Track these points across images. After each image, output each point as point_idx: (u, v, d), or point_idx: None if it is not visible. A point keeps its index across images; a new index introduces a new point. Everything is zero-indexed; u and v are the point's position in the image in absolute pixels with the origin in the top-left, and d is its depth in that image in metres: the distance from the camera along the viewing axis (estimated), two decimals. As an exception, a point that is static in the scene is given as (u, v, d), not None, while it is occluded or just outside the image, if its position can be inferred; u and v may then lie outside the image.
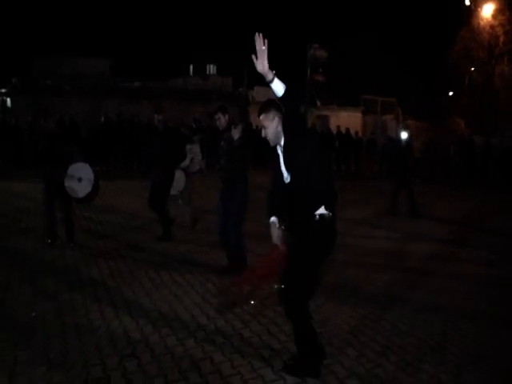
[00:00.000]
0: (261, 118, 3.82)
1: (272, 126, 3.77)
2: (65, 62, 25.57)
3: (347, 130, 22.44)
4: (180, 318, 4.85)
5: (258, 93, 27.18)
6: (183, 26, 38.99)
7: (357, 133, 22.75)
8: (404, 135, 11.14)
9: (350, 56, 34.45)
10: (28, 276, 6.06)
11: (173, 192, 8.21)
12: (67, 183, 7.22)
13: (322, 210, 3.68)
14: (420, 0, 35.91)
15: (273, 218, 3.88)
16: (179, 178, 8.29)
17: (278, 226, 3.86)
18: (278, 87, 3.43)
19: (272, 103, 3.79)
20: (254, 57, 3.42)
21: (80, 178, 7.26)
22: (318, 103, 29.21)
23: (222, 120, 6.32)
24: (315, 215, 3.68)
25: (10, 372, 3.79)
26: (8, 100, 26.50)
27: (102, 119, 19.54)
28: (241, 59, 34.64)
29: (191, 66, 38.66)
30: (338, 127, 23.05)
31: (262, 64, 3.42)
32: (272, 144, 3.83)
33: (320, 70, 30.25)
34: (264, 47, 3.40)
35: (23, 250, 7.20)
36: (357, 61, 34.93)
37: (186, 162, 8.38)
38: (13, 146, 17.84)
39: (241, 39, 36.13)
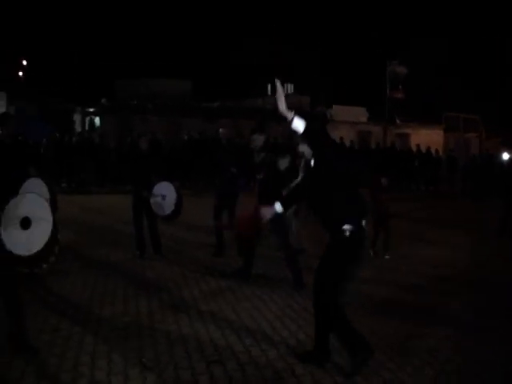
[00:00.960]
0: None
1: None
2: (148, 84, 26.76)
3: (428, 148, 22.05)
4: (263, 330, 5.03)
5: (335, 111, 27.21)
6: (261, 47, 39.82)
7: (437, 151, 22.28)
8: (506, 156, 10.94)
9: (431, 72, 33.84)
10: (122, 285, 6.46)
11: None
12: (152, 200, 7.61)
13: (345, 226, 3.97)
14: (502, 13, 34.68)
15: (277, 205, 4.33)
16: None
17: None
18: (299, 125, 3.81)
19: None
20: (276, 98, 3.88)
21: (164, 196, 7.62)
22: (398, 121, 28.84)
23: (257, 142, 6.53)
24: (338, 230, 4.00)
25: (107, 371, 4.09)
26: (96, 119, 28.08)
27: (185, 137, 20.26)
28: (318, 78, 35.01)
29: (269, 85, 39.27)
30: (418, 145, 22.69)
31: (281, 106, 3.85)
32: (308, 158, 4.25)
33: (400, 86, 29.95)
34: (281, 91, 3.88)
35: (115, 262, 7.65)
36: (438, 77, 34.22)
37: None
38: (99, 164, 18.84)
39: (319, 58, 36.39)
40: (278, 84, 3.87)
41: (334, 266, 4.10)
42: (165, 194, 7.62)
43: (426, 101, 32.22)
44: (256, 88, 36.82)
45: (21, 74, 39.49)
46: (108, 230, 10.12)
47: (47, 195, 5.67)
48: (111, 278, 6.73)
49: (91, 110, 27.34)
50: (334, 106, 27.88)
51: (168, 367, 4.15)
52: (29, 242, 4.32)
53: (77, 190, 16.87)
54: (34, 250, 4.32)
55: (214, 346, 4.59)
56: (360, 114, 28.37)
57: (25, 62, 39.71)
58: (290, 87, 38.51)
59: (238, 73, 40.41)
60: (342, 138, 22.48)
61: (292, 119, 3.79)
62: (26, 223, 4.34)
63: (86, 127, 25.10)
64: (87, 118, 25.65)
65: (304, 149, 4.15)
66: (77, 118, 25.94)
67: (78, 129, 24.51)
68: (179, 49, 41.57)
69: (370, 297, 6.22)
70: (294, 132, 3.88)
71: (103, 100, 24.47)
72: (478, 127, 30.15)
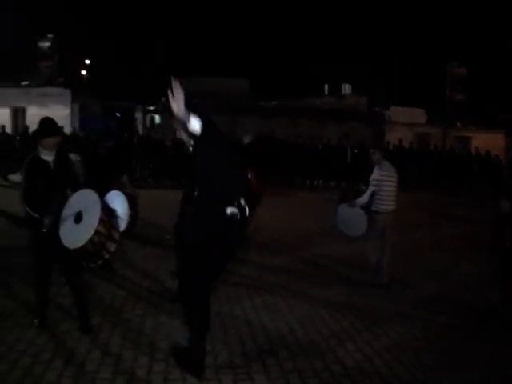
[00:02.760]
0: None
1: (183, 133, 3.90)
2: (207, 83, 27.29)
3: (487, 151, 21.57)
4: (315, 323, 5.21)
5: (394, 112, 26.93)
6: (318, 46, 39.77)
7: (497, 155, 21.68)
8: None
9: (492, 73, 32.92)
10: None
11: (353, 233, 6.97)
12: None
13: (228, 209, 3.79)
14: None
15: None
16: (357, 215, 6.81)
17: None
18: (195, 125, 3.62)
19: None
20: (169, 96, 3.58)
21: None
22: (458, 124, 28.24)
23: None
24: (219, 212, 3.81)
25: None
26: (156, 117, 28.89)
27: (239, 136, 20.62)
28: (376, 78, 34.67)
29: (326, 86, 39.19)
30: (477, 148, 22.22)
31: (177, 106, 3.58)
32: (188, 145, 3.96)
33: (459, 87, 29.35)
34: (180, 90, 3.57)
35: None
36: (498, 77, 33.23)
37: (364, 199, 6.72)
38: (158, 159, 19.44)
39: (376, 58, 36.03)
40: (176, 82, 3.61)
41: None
42: None
43: (486, 103, 31.39)
44: (313, 87, 36.86)
45: (84, 72, 41.04)
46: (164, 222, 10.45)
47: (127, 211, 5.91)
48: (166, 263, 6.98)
49: (151, 108, 28.19)
50: (391, 107, 27.58)
51: (222, 352, 4.40)
52: (75, 236, 4.41)
53: (137, 185, 17.37)
54: (78, 245, 4.36)
55: (267, 336, 4.81)
56: (418, 115, 27.93)
57: (88, 61, 41.25)
58: (348, 88, 38.30)
59: (296, 72, 40.55)
60: (400, 140, 22.18)
61: (188, 119, 3.61)
62: (79, 218, 4.46)
63: (147, 125, 25.92)
64: (148, 116, 26.46)
65: (183, 136, 3.93)
66: (138, 115, 26.80)
67: (140, 126, 25.33)
68: (237, 48, 42.03)
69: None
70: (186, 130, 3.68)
71: (163, 99, 25.13)
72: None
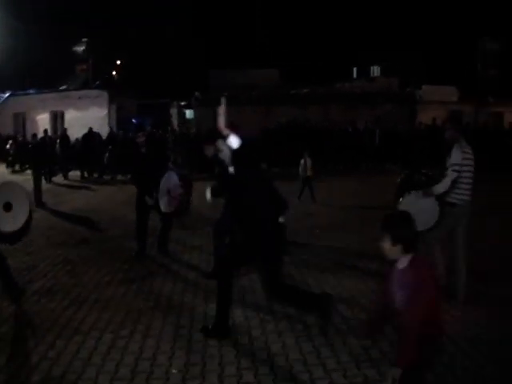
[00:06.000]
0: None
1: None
2: (238, 74, 27.74)
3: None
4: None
5: (425, 92, 26.82)
6: (345, 29, 39.60)
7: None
8: None
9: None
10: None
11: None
12: None
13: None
14: None
15: None
16: (429, 208, 5.39)
17: None
18: (234, 142, 4.26)
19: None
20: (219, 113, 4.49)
21: None
22: (491, 99, 27.95)
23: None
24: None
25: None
26: (187, 112, 29.54)
27: (278, 125, 21.07)
28: (405, 58, 34.40)
29: (355, 69, 39.09)
30: (511, 124, 22.16)
31: (221, 123, 4.38)
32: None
33: (492, 62, 29.05)
34: (223, 110, 4.46)
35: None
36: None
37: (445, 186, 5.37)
38: (191, 153, 20.08)
39: (404, 37, 35.68)
40: (223, 102, 4.53)
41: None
42: None
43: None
44: (342, 72, 36.81)
45: (114, 73, 41.99)
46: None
47: (178, 182, 6.82)
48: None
49: (182, 103, 28.80)
50: (423, 86, 27.43)
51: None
52: (13, 220, 5.45)
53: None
54: (18, 227, 5.50)
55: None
56: (450, 93, 27.72)
57: (118, 62, 42.17)
58: (377, 70, 38.08)
59: (323, 58, 40.49)
60: (434, 119, 22.13)
61: (228, 135, 4.29)
62: (8, 207, 5.40)
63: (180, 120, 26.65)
64: (183, 111, 27.18)
65: (225, 150, 4.42)
66: (173, 111, 27.48)
67: (175, 122, 26.02)
68: (266, 38, 42.21)
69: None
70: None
71: (196, 93, 25.76)
72: None
